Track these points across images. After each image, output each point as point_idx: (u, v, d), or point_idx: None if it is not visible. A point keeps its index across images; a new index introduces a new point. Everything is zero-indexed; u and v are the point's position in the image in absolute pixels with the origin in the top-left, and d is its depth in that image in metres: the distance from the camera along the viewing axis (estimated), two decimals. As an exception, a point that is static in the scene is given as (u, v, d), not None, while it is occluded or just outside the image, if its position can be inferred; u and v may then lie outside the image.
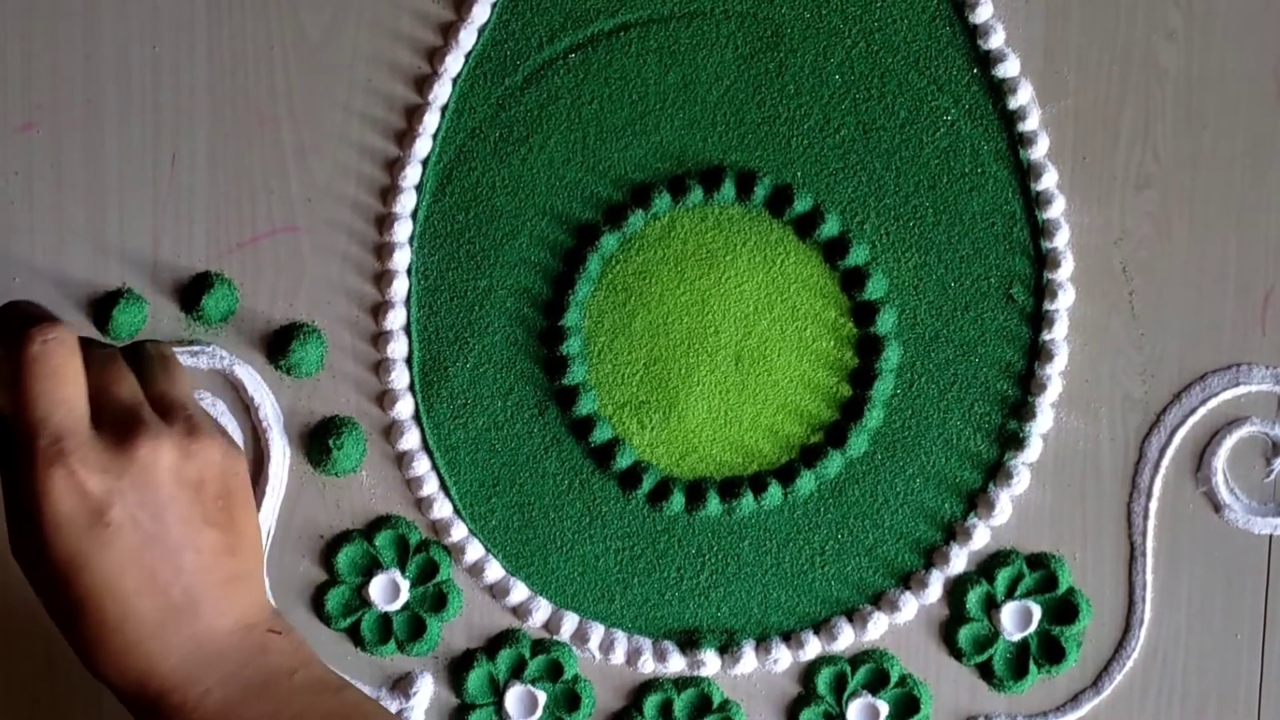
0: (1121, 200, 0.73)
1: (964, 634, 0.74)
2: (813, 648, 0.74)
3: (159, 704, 0.58)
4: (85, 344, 0.59)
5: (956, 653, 0.74)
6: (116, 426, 0.57)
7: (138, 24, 0.73)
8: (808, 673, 0.74)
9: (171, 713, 0.57)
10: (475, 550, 0.74)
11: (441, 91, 0.73)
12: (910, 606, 0.74)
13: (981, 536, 0.73)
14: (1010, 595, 0.73)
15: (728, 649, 0.74)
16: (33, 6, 0.73)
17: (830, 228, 0.73)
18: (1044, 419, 0.73)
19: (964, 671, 0.74)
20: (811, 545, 0.74)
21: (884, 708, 0.74)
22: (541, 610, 0.74)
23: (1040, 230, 0.73)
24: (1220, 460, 0.73)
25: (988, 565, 0.74)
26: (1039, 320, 0.73)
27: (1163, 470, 0.73)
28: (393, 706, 0.74)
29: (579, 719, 0.74)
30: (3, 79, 0.73)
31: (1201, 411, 0.73)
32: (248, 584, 0.59)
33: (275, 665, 0.59)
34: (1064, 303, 0.73)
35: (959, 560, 0.73)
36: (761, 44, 0.73)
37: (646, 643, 0.74)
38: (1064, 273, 0.73)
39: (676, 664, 0.74)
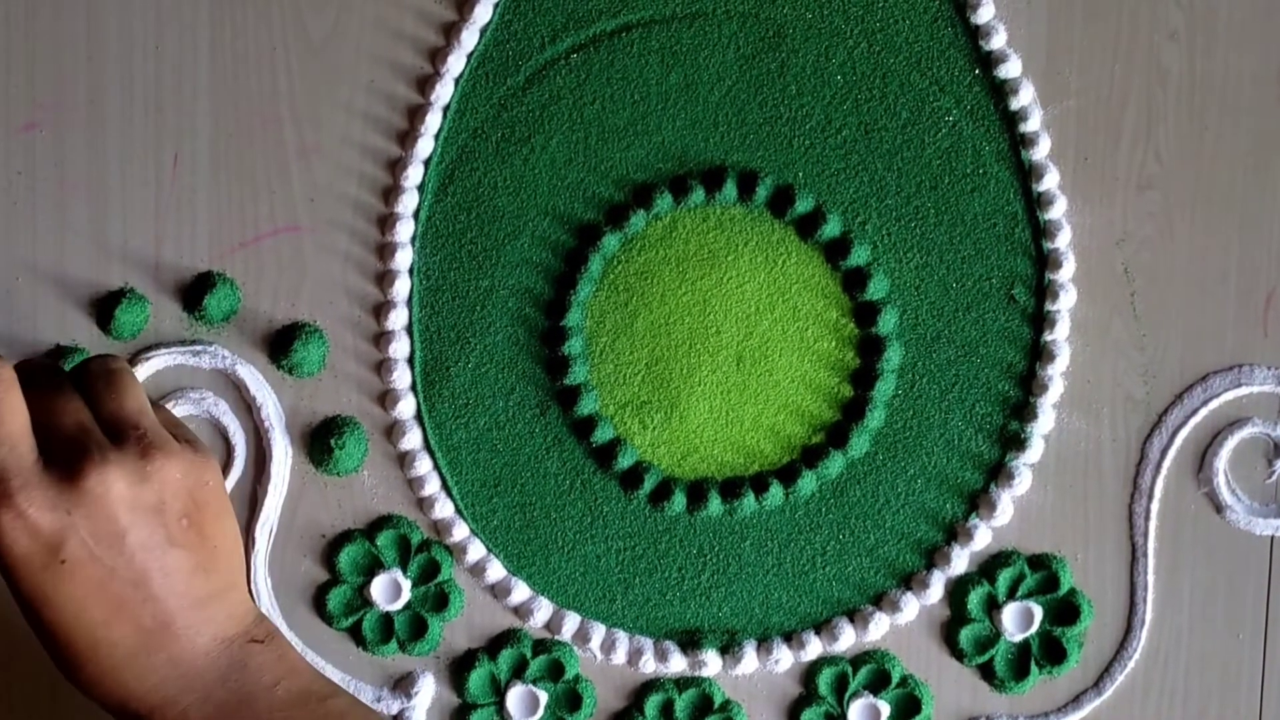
0: (1123, 201, 0.73)
1: (965, 634, 0.74)
2: (814, 648, 0.74)
3: None
4: (27, 371, 0.58)
5: (958, 653, 0.74)
6: (64, 458, 0.56)
7: (140, 24, 0.73)
8: (809, 673, 0.74)
9: None
10: (477, 550, 0.74)
11: (444, 92, 0.73)
12: (911, 607, 0.74)
13: (983, 537, 0.73)
14: (1012, 596, 0.73)
15: (729, 649, 0.74)
16: (36, 6, 0.73)
17: (832, 228, 0.73)
18: (1045, 420, 0.73)
19: (965, 672, 0.74)
20: (813, 546, 0.74)
21: (885, 708, 0.74)
22: (543, 610, 0.74)
23: (1042, 231, 0.73)
24: (1222, 461, 0.73)
25: (989, 566, 0.74)
26: (1040, 321, 0.73)
27: (1164, 471, 0.73)
28: (394, 706, 0.74)
29: (580, 719, 0.74)
30: (6, 79, 0.73)
31: (1203, 412, 0.73)
32: (224, 599, 0.59)
33: (256, 679, 0.59)
34: (1065, 303, 0.73)
35: (960, 561, 0.73)
36: (763, 44, 0.73)
37: (648, 643, 0.74)
38: (1065, 273, 0.73)
39: (678, 664, 0.74)
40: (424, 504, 0.74)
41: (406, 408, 0.74)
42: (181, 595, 0.57)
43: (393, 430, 0.74)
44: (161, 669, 0.57)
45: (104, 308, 0.73)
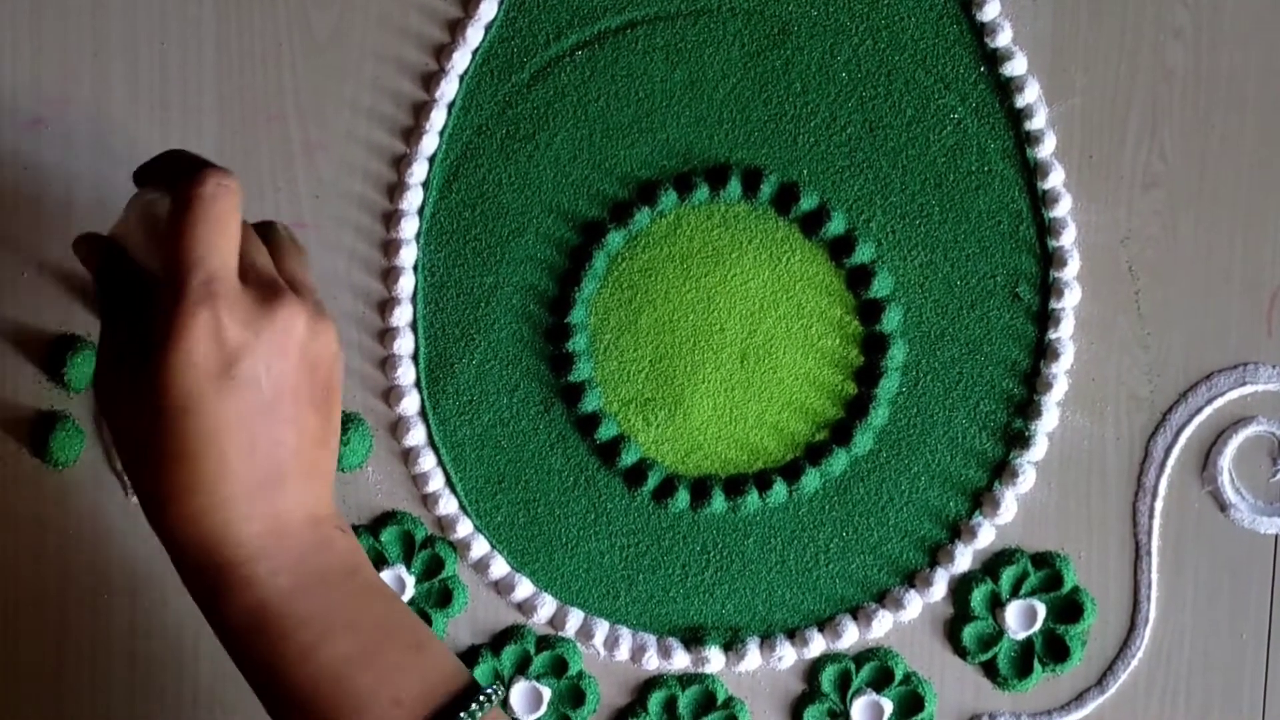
0: (1128, 199, 0.73)
1: (968, 632, 0.74)
2: (817, 645, 0.74)
3: (224, 573, 0.57)
4: None
5: (961, 651, 0.74)
6: (259, 287, 0.57)
7: (146, 21, 0.73)
8: (812, 670, 0.74)
9: (234, 585, 0.57)
10: (480, 546, 0.74)
11: (448, 88, 0.73)
12: (915, 604, 0.74)
13: (986, 535, 0.73)
14: (1015, 594, 0.73)
15: (732, 646, 0.74)
16: (42, 4, 0.73)
17: (836, 225, 0.73)
18: (1049, 418, 0.73)
19: (968, 670, 0.74)
20: (816, 543, 0.74)
21: (888, 706, 0.74)
22: (546, 606, 0.74)
23: (1047, 229, 0.73)
24: (1226, 459, 0.73)
25: (993, 564, 0.74)
26: (1045, 319, 0.73)
27: (1168, 469, 0.73)
28: (398, 702, 0.74)
29: (584, 715, 0.74)
30: (12, 76, 0.73)
31: (1207, 411, 0.73)
32: (326, 478, 0.59)
33: (338, 562, 0.59)
34: (1070, 301, 0.73)
35: (964, 558, 0.73)
36: (768, 41, 0.73)
37: (651, 639, 0.74)
38: (1070, 271, 0.72)
39: (681, 661, 0.74)
40: (428, 500, 0.74)
41: (411, 404, 0.74)
42: (302, 458, 0.58)
43: (397, 426, 0.74)
44: (262, 521, 0.57)
45: (110, 303, 0.73)
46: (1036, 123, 0.72)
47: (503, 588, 0.74)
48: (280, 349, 0.57)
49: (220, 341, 0.55)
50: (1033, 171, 0.73)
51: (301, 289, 0.59)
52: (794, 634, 0.74)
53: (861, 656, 0.74)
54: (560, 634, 0.74)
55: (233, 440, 0.56)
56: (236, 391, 0.56)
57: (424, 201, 0.73)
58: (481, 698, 0.58)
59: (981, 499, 0.74)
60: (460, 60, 0.73)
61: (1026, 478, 0.73)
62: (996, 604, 0.73)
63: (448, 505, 0.74)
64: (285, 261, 0.60)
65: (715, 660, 0.74)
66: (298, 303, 0.57)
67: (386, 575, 0.74)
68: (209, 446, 0.56)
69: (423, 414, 0.74)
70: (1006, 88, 0.73)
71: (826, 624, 0.74)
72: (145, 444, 0.57)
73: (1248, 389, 0.73)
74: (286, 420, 0.57)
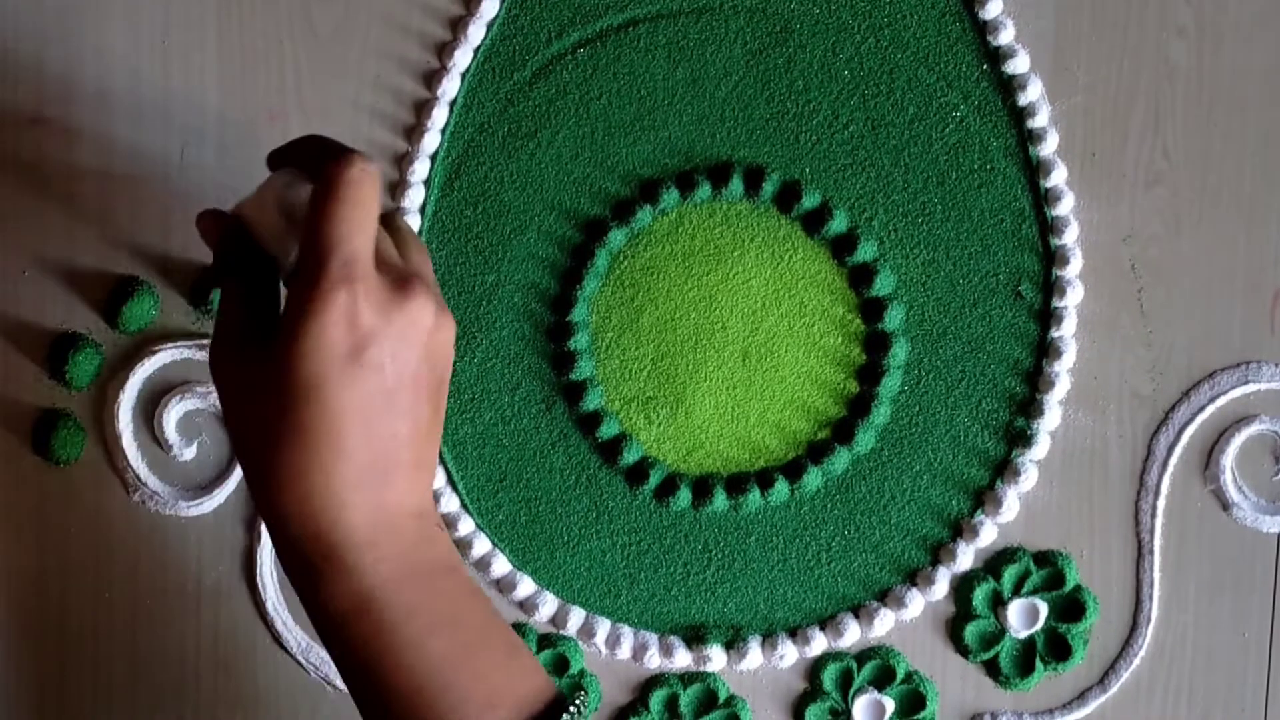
0: (1131, 197, 0.73)
1: (970, 631, 0.73)
2: (819, 644, 0.74)
3: (330, 560, 0.57)
4: None
5: (963, 649, 0.74)
6: (392, 275, 0.57)
7: (148, 18, 0.73)
8: (814, 669, 0.74)
9: (339, 571, 0.57)
10: (482, 544, 0.74)
11: (450, 86, 0.73)
12: (917, 603, 0.74)
13: (989, 533, 0.73)
14: (1017, 592, 0.73)
15: (734, 644, 0.74)
16: (43, 2, 0.73)
17: (838, 224, 0.73)
18: (1052, 416, 0.73)
19: (970, 668, 0.74)
20: (818, 541, 0.74)
21: (890, 704, 0.74)
22: (548, 605, 0.74)
23: (1049, 227, 0.73)
24: (1229, 458, 0.73)
25: (995, 562, 0.74)
26: (1047, 317, 0.73)
27: (1171, 468, 0.73)
28: (399, 700, 0.74)
29: (585, 713, 0.74)
30: (15, 72, 0.73)
31: (1210, 409, 0.73)
32: (429, 474, 0.59)
33: (440, 558, 0.59)
34: (1073, 300, 0.72)
35: (966, 557, 0.73)
36: (770, 39, 0.73)
37: (653, 638, 0.74)
38: (1073, 270, 0.72)
39: (683, 659, 0.74)
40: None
41: (412, 402, 0.74)
42: (413, 450, 0.58)
43: (399, 424, 0.74)
44: (373, 510, 0.57)
45: (112, 300, 0.73)
46: (1039, 121, 0.72)
47: (504, 586, 0.74)
48: (407, 338, 0.56)
49: (354, 325, 0.55)
50: (1035, 170, 0.73)
51: (426, 281, 0.59)
52: (796, 632, 0.74)
53: (863, 655, 0.74)
54: (562, 632, 0.74)
55: (352, 426, 0.56)
56: (362, 377, 0.55)
57: (426, 199, 0.73)
58: (572, 709, 0.59)
59: (983, 497, 0.73)
60: (462, 58, 0.73)
61: (1028, 476, 0.73)
62: (998, 602, 0.73)
63: (449, 503, 0.74)
64: (410, 253, 0.60)
65: (717, 659, 0.74)
66: (428, 293, 0.57)
67: (388, 573, 0.74)
68: (328, 430, 0.55)
69: (424, 412, 0.74)
70: (1009, 86, 0.72)
71: (828, 622, 0.74)
72: (263, 422, 0.56)
73: (1250, 387, 0.73)
74: (403, 411, 0.57)
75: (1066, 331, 0.73)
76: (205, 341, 0.73)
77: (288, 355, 0.55)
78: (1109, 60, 0.72)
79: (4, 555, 0.74)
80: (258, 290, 0.59)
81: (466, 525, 0.74)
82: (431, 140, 0.73)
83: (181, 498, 0.74)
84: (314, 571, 0.57)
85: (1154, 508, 0.73)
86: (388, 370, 0.56)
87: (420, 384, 0.57)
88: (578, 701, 0.59)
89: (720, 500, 0.73)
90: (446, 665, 0.57)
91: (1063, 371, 0.73)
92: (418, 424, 0.57)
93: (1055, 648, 0.73)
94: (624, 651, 0.74)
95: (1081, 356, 0.73)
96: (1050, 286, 0.73)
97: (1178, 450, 0.73)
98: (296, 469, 0.56)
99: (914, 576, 0.74)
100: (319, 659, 0.74)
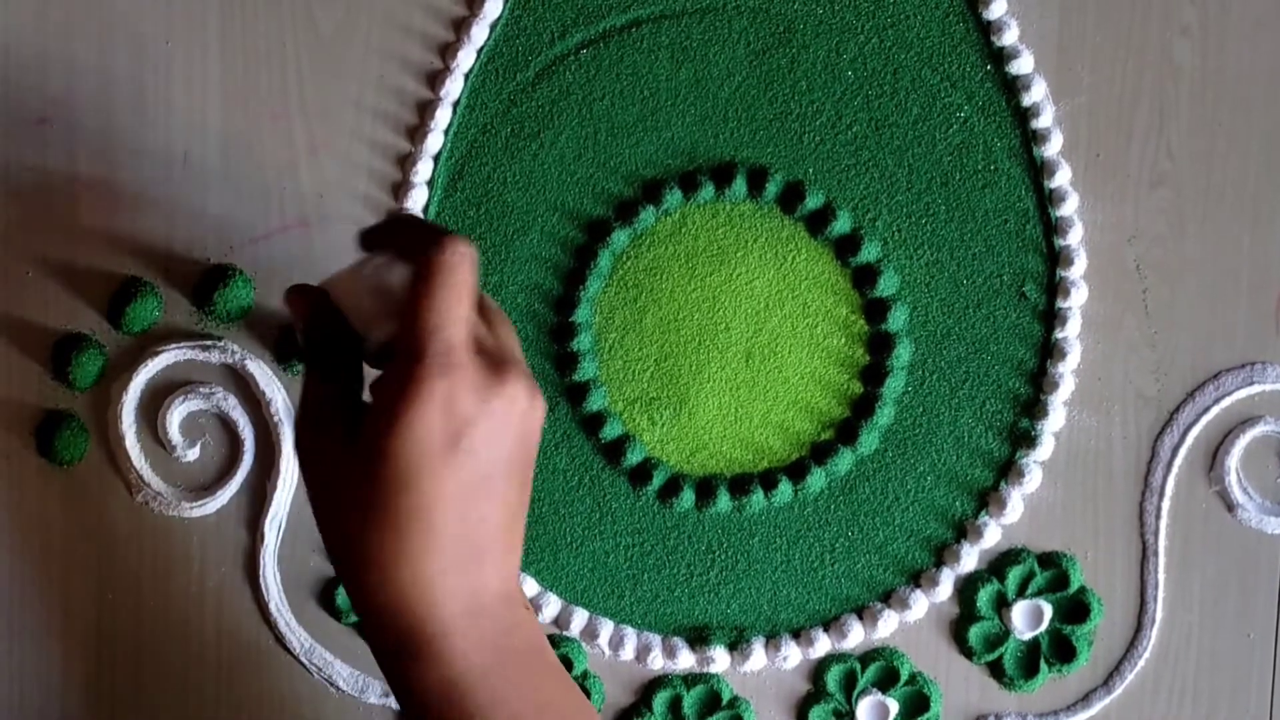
0: (1135, 198, 0.72)
1: (974, 632, 0.73)
2: (822, 645, 0.74)
3: (420, 647, 0.56)
4: None
5: (967, 651, 0.74)
6: (488, 358, 0.57)
7: (151, 18, 0.73)
8: (817, 670, 0.74)
9: (429, 658, 0.56)
10: (485, 546, 0.74)
11: (453, 87, 0.73)
12: (921, 604, 0.73)
13: (992, 535, 0.73)
14: (1021, 594, 0.73)
15: (737, 646, 0.74)
16: (47, 2, 0.73)
17: (842, 224, 0.73)
18: (1056, 417, 0.73)
19: (974, 670, 0.74)
20: (822, 542, 0.74)
21: (894, 706, 0.74)
22: (551, 606, 0.74)
23: (1053, 228, 0.72)
24: (1233, 459, 0.73)
25: (999, 563, 0.73)
26: (1051, 318, 0.73)
27: (1175, 469, 0.73)
28: (402, 701, 0.74)
29: (588, 715, 0.74)
30: (18, 74, 0.73)
31: (1215, 410, 0.73)
32: (517, 556, 0.59)
33: (531, 642, 0.59)
34: (1077, 300, 0.72)
35: (970, 558, 0.73)
36: (774, 40, 0.73)
37: (656, 639, 0.74)
38: (1077, 270, 0.72)
39: (686, 660, 0.74)
40: (433, 499, 0.74)
41: (415, 403, 0.74)
42: (503, 534, 0.57)
43: (402, 425, 0.74)
44: (465, 597, 0.56)
45: (115, 302, 0.73)
46: (1043, 121, 0.72)
47: (507, 587, 0.74)
48: (503, 423, 0.56)
49: (452, 413, 0.55)
50: (1039, 170, 0.72)
51: (516, 359, 0.59)
52: (799, 634, 0.74)
53: (867, 656, 0.74)
54: (565, 633, 0.74)
55: (446, 514, 0.55)
56: (457, 464, 0.55)
57: (429, 200, 0.73)
58: None
59: (988, 498, 0.73)
60: (465, 59, 0.73)
61: (1033, 477, 0.73)
62: (1002, 604, 0.73)
63: (452, 504, 0.74)
64: (499, 330, 0.60)
65: (720, 660, 0.74)
66: (522, 376, 0.57)
67: (391, 574, 0.74)
68: (423, 518, 0.55)
69: (427, 413, 0.74)
70: (1013, 86, 0.72)
71: (832, 624, 0.74)
72: (355, 508, 0.56)
73: (1255, 388, 0.73)
74: (496, 495, 0.57)
75: (1071, 332, 0.72)
76: (207, 341, 0.73)
77: (384, 443, 0.55)
78: (1113, 60, 0.72)
79: (6, 556, 0.74)
80: (346, 370, 0.59)
81: (469, 526, 0.74)
82: (434, 141, 0.73)
83: (184, 499, 0.74)
84: (403, 656, 0.57)
85: (1158, 509, 0.73)
86: (482, 456, 0.56)
87: (513, 467, 0.57)
88: None
89: (724, 501, 0.73)
90: None
91: (1067, 372, 0.73)
92: (506, 507, 0.57)
93: (1060, 649, 0.73)
94: (627, 653, 0.74)
95: (1086, 357, 0.73)
96: (1054, 287, 0.73)
97: (1182, 451, 0.73)
98: (389, 556, 0.56)
99: (918, 578, 0.74)
100: (321, 660, 0.74)
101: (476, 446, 0.56)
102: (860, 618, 0.74)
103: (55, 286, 0.73)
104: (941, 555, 0.74)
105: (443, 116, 0.73)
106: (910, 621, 0.74)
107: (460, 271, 0.56)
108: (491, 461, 0.56)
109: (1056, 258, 0.73)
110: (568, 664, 0.74)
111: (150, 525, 0.74)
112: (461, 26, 0.73)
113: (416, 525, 0.55)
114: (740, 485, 0.73)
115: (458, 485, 0.55)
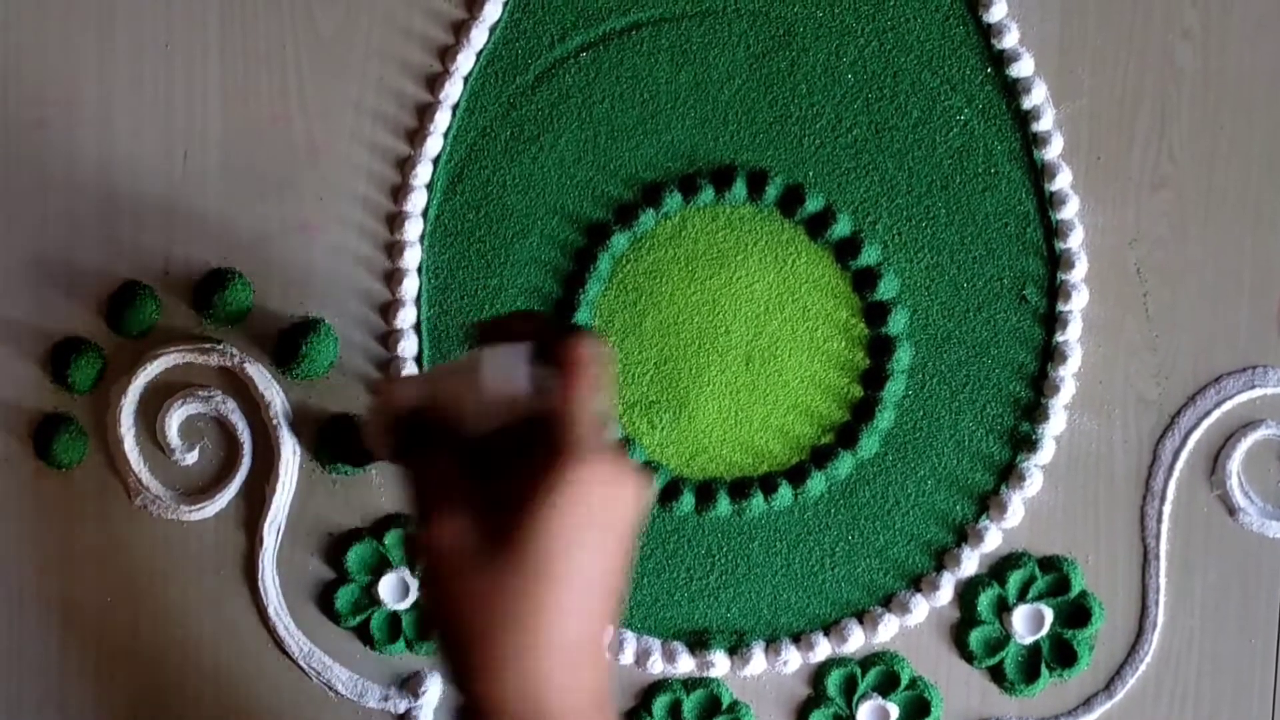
0: (1136, 201, 0.72)
1: (975, 636, 0.73)
2: (823, 649, 0.74)
3: None
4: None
5: (967, 655, 0.73)
6: (612, 448, 0.58)
7: (150, 21, 0.73)
8: (818, 674, 0.74)
9: None
10: (485, 549, 0.74)
11: (453, 90, 0.73)
12: (921, 609, 0.73)
13: (993, 539, 0.73)
14: (1022, 598, 0.73)
15: (737, 650, 0.74)
16: (47, 4, 0.73)
17: (842, 228, 0.72)
18: (1057, 421, 0.72)
19: (975, 674, 0.74)
20: (822, 546, 0.74)
21: (894, 710, 0.73)
22: (550, 610, 0.74)
23: (1054, 231, 0.72)
24: (1235, 463, 0.73)
25: (999, 567, 0.73)
26: (1052, 321, 0.73)
27: (1176, 473, 0.73)
28: (401, 705, 0.74)
29: None
30: (17, 76, 0.73)
31: (1216, 414, 0.73)
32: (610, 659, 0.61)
33: None
34: (1078, 304, 0.72)
35: (970, 562, 0.73)
36: (774, 43, 0.73)
37: (655, 643, 0.74)
38: (1078, 274, 0.72)
39: (686, 665, 0.74)
40: (432, 503, 0.74)
41: (414, 406, 0.73)
42: (610, 616, 0.58)
43: (401, 429, 0.74)
44: (576, 694, 0.56)
45: (114, 304, 0.73)
46: (1044, 124, 0.72)
47: (506, 591, 0.74)
48: (623, 511, 0.57)
49: (589, 505, 0.56)
50: (1040, 173, 0.72)
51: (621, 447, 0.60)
52: (799, 638, 0.74)
53: (867, 661, 0.74)
54: (564, 637, 0.74)
55: (575, 606, 0.56)
56: (590, 555, 0.56)
57: (428, 203, 0.73)
58: None
59: (988, 502, 0.73)
60: (465, 62, 0.73)
61: (1033, 481, 0.73)
62: (1003, 608, 0.73)
63: (451, 508, 0.74)
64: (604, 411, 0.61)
65: (720, 664, 0.74)
66: (636, 465, 0.59)
67: (390, 578, 0.74)
68: (556, 611, 0.55)
69: (427, 416, 0.74)
70: (1013, 89, 0.72)
71: (832, 628, 0.74)
72: (489, 603, 0.56)
73: (1256, 392, 0.72)
74: (610, 583, 0.57)
75: (1071, 336, 0.72)
76: (206, 344, 0.73)
77: (533, 537, 0.55)
78: (1114, 63, 0.72)
79: (6, 559, 0.74)
80: (463, 463, 0.59)
81: (469, 530, 0.74)
82: (434, 144, 0.73)
83: (183, 502, 0.74)
84: None
85: (1160, 513, 0.73)
86: (609, 547, 0.57)
87: (625, 553, 0.58)
88: None
89: (723, 505, 0.73)
90: None
91: (1067, 376, 0.72)
92: (616, 590, 0.58)
93: (1061, 653, 0.73)
94: (627, 657, 0.74)
95: (1086, 361, 0.73)
96: (1055, 290, 0.73)
97: (1183, 455, 0.73)
98: (519, 649, 0.56)
99: (918, 582, 0.74)
100: (320, 664, 0.74)
101: (605, 539, 0.56)
102: (861, 622, 0.74)
103: (54, 290, 0.73)
104: (942, 559, 0.73)
105: (442, 119, 0.73)
106: (911, 626, 0.74)
107: (596, 366, 0.58)
108: (616, 548, 0.57)
109: (1057, 261, 0.72)
110: (567, 668, 0.74)
111: (149, 528, 0.74)
112: (461, 29, 0.73)
113: (549, 617, 0.55)
114: (740, 489, 0.73)
115: (586, 578, 0.56)
